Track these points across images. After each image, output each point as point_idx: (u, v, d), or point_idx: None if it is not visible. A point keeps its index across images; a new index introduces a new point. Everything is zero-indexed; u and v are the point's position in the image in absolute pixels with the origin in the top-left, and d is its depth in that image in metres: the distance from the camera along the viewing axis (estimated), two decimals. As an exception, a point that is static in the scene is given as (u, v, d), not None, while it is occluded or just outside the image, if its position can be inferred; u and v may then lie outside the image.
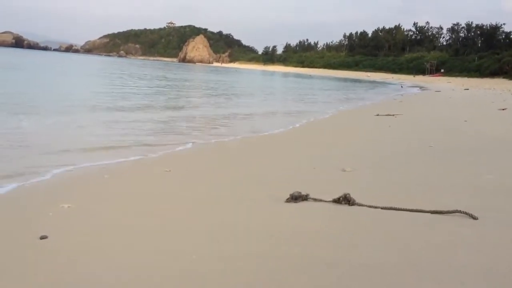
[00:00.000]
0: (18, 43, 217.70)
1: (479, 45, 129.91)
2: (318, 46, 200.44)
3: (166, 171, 6.69)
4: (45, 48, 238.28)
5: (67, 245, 3.68)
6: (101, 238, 3.86)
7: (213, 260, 3.36)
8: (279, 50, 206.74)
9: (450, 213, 4.36)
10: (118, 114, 14.23)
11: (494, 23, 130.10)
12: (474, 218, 4.23)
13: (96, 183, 5.99)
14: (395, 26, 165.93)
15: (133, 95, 22.58)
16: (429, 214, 4.40)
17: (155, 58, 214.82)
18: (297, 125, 14.07)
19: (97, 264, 3.32)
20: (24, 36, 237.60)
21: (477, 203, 4.80)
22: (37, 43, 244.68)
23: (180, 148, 9.22)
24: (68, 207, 4.65)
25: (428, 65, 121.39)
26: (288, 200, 4.91)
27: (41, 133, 9.95)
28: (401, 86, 62.06)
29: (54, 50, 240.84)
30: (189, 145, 9.56)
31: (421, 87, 58.95)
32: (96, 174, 6.52)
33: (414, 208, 4.51)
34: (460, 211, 4.33)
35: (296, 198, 4.90)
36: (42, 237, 3.75)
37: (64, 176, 6.35)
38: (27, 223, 4.24)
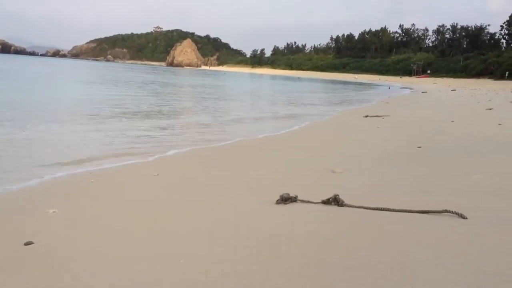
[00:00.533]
0: (5, 48, 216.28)
1: (465, 46, 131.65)
2: (306, 48, 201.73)
3: (154, 175, 6.63)
4: (32, 54, 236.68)
5: (53, 250, 3.61)
6: (88, 243, 3.78)
7: (203, 263, 3.30)
8: (267, 53, 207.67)
9: (439, 213, 4.35)
10: (106, 121, 14.08)
11: (479, 24, 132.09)
12: (464, 217, 4.23)
13: (82, 188, 5.91)
14: (381, 28, 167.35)
15: (121, 101, 22.36)
16: (418, 214, 4.40)
17: (143, 62, 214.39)
18: (289, 129, 14.06)
19: (85, 269, 3.25)
20: (10, 42, 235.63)
21: (466, 203, 4.81)
22: (24, 49, 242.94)
23: (170, 153, 9.12)
24: (53, 212, 4.57)
25: (414, 67, 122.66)
26: (278, 202, 4.89)
27: (28, 140, 9.79)
28: (389, 88, 63.55)
29: (41, 55, 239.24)
30: (179, 151, 9.45)
31: (408, 89, 59.58)
32: (83, 179, 6.42)
33: (403, 208, 4.50)
34: (449, 211, 4.32)
35: (285, 199, 4.88)
36: (27, 243, 3.68)
37: (50, 182, 6.25)
38: (12, 229, 4.16)
